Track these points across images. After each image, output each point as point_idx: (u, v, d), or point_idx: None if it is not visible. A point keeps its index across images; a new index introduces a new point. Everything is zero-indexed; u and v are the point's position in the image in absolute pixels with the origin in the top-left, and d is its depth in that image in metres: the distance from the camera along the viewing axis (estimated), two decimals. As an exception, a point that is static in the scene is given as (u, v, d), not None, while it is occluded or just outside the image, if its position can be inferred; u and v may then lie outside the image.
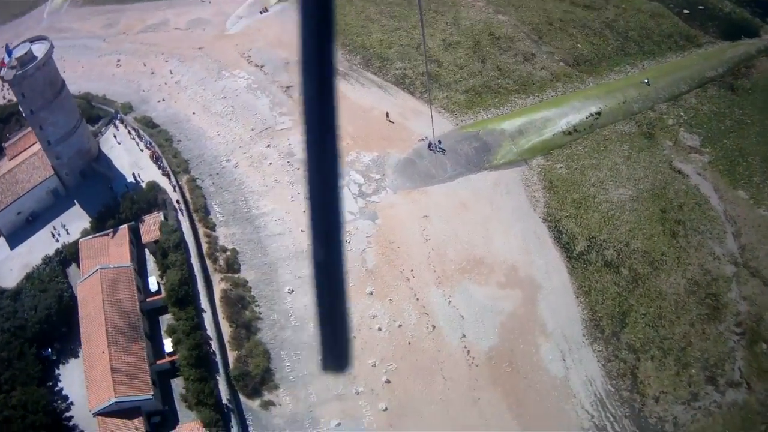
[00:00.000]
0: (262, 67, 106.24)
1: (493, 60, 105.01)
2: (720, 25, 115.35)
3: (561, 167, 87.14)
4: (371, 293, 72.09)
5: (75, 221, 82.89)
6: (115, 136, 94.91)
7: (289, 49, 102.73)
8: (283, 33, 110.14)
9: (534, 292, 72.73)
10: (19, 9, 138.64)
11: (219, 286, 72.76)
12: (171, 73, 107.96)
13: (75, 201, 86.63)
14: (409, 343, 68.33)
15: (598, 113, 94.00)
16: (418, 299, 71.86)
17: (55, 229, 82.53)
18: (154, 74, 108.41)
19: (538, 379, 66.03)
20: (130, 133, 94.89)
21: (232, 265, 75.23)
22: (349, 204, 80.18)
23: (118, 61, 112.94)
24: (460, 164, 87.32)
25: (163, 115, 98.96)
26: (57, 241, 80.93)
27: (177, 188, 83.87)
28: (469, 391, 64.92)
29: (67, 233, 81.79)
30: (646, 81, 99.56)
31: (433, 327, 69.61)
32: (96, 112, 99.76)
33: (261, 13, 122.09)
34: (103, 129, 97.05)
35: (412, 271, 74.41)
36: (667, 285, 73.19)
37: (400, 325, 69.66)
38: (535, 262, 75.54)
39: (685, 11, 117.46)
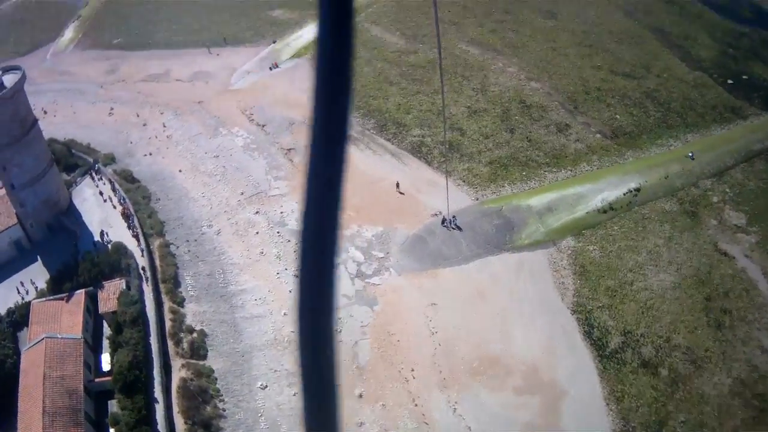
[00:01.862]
0: (263, 126, 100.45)
1: (523, 130, 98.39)
2: (765, 96, 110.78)
3: (594, 249, 78.25)
4: (360, 395, 61.59)
5: (40, 279, 75.20)
6: (99, 190, 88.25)
7: (296, 109, 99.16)
8: (291, 91, 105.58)
9: (557, 400, 62.38)
10: (25, 48, 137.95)
11: (178, 374, 63.26)
12: (164, 126, 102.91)
13: (38, 257, 79.20)
14: (404, 459, 57.54)
15: (638, 189, 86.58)
16: (417, 405, 61.39)
17: (22, 285, 74.91)
18: (146, 126, 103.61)
19: (561, 508, 55.66)
20: (103, 186, 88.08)
21: (198, 350, 65.83)
22: (345, 286, 71.11)
23: (111, 109, 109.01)
24: (478, 244, 77.92)
25: (147, 171, 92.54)
26: (23, 298, 73.09)
27: (146, 253, 75.58)
28: None
29: (36, 290, 73.90)
30: (690, 155, 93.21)
31: None
32: (74, 161, 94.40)
33: (270, 69, 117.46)
34: (77, 179, 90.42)
35: (412, 370, 64.10)
36: (710, 386, 63.54)
37: None
38: (561, 362, 65.74)
39: (729, 81, 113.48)
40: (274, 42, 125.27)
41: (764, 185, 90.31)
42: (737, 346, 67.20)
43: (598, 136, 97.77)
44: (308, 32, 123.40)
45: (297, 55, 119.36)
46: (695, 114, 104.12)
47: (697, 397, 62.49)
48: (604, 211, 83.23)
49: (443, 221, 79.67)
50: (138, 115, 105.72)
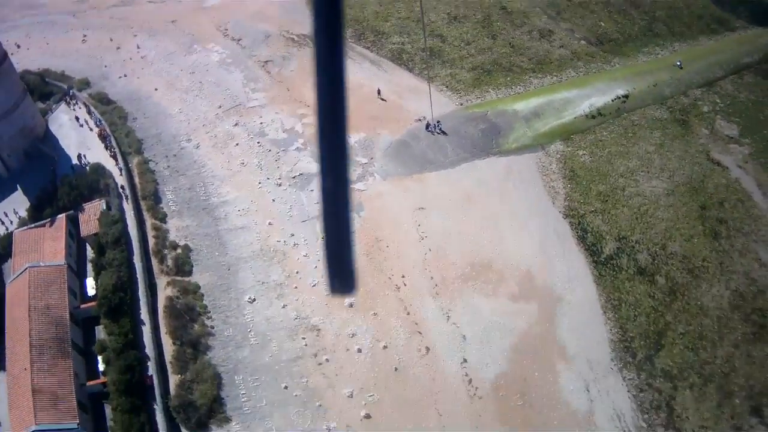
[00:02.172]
0: (239, 40, 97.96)
1: (505, 36, 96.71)
2: (752, 10, 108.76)
3: (584, 154, 77.03)
4: (351, 305, 59.95)
5: (22, 207, 73.24)
6: (74, 114, 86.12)
7: (272, 21, 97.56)
8: (266, 5, 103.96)
9: (553, 306, 61.07)
10: None
11: (164, 293, 61.10)
12: (138, 47, 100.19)
13: (17, 185, 76.90)
14: (396, 369, 56.52)
15: (626, 96, 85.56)
16: (409, 314, 59.93)
17: (6, 215, 72.98)
18: (120, 49, 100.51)
19: (556, 415, 54.76)
20: (79, 110, 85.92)
21: (183, 266, 63.71)
22: None
23: (84, 36, 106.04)
24: (464, 148, 76.20)
25: (122, 92, 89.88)
26: (7, 229, 71.10)
27: (124, 171, 73.34)
28: (471, 430, 53.29)
29: (18, 219, 71.98)
30: (678, 63, 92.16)
31: (427, 349, 57.79)
32: (49, 89, 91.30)
33: None
34: (53, 106, 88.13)
35: (403, 277, 62.55)
36: (708, 298, 62.48)
37: (385, 347, 57.75)
38: (555, 267, 64.28)
39: None
40: None
41: (755, 98, 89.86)
42: (735, 258, 66.56)
43: (583, 42, 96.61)
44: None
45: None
46: (681, 23, 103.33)
47: (696, 308, 61.82)
48: (593, 117, 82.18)
49: (427, 126, 78.10)
50: (111, 40, 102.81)
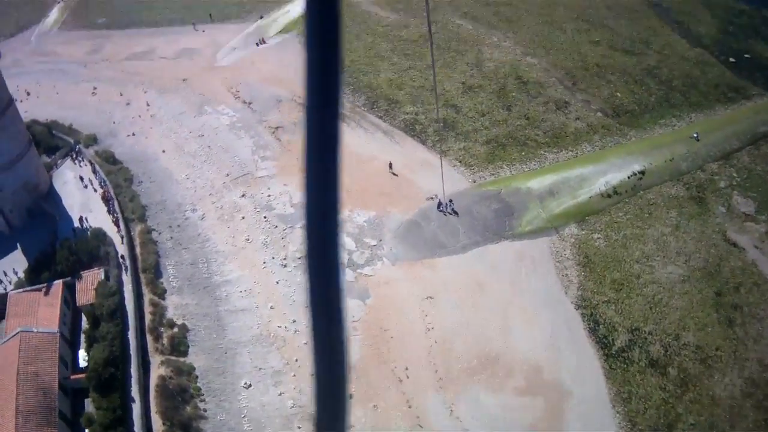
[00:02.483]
0: (250, 104, 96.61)
1: (521, 107, 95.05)
2: None
3: (599, 238, 74.78)
4: (351, 396, 56.13)
5: (21, 267, 71.39)
6: (79, 172, 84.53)
7: (284, 85, 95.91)
8: (279, 68, 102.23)
9: (561, 401, 58.75)
10: (10, 30, 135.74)
11: (157, 371, 59.21)
12: (148, 105, 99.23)
13: (18, 244, 75.18)
14: (396, 467, 53.94)
15: (642, 172, 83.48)
16: (411, 407, 57.54)
17: (5, 274, 71.04)
18: (129, 105, 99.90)
19: None
20: (84, 168, 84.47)
21: (178, 346, 61.73)
22: None
23: (95, 88, 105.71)
24: (477, 231, 74.10)
25: (129, 152, 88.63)
26: (5, 289, 69.22)
27: (125, 240, 71.51)
28: None
29: (17, 279, 70.20)
30: (695, 135, 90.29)
31: None
32: (55, 142, 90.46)
33: (257, 44, 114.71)
34: (58, 161, 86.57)
35: (406, 369, 60.15)
36: (721, 387, 60.49)
37: None
38: (565, 361, 62.05)
39: (732, 60, 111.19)
40: (261, 18, 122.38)
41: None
42: (749, 345, 64.60)
43: (599, 114, 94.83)
44: (296, 7, 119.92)
45: (285, 30, 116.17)
46: (698, 93, 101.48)
47: (708, 398, 59.82)
48: (608, 196, 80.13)
49: (439, 205, 75.97)
50: (121, 94, 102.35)
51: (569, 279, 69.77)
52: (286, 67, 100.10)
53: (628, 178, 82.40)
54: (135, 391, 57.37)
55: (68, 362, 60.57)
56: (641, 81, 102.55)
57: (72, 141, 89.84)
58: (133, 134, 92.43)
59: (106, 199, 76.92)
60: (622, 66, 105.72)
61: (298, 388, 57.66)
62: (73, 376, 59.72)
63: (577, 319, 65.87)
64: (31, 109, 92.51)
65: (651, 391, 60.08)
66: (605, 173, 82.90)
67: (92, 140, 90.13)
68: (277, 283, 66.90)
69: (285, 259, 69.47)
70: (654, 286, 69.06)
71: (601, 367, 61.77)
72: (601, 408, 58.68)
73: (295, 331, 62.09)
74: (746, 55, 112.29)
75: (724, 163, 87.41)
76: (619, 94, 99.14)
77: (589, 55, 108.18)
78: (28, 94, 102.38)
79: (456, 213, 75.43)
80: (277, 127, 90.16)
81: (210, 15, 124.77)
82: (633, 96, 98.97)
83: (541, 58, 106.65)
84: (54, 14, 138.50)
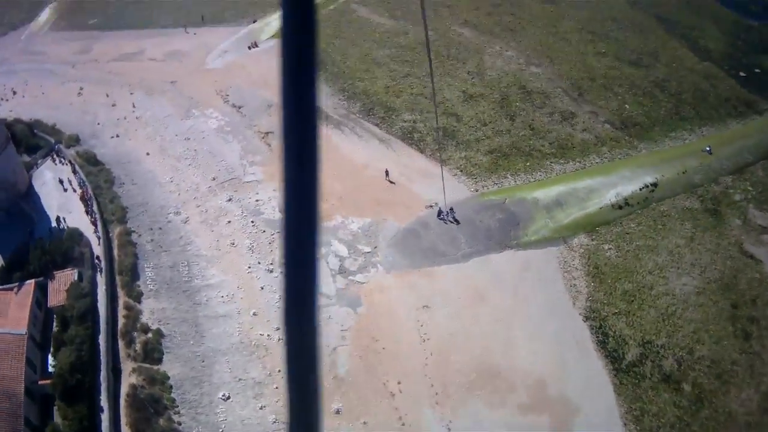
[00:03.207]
0: (239, 107, 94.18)
1: (525, 117, 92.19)
2: None
3: (610, 249, 71.76)
4: (338, 411, 54.02)
5: None
6: (59, 173, 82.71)
7: (275, 89, 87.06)
8: (270, 71, 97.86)
9: (568, 418, 55.15)
10: (1, 29, 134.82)
11: (128, 380, 55.56)
12: (134, 106, 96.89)
13: None
14: (388, 492, 50.17)
15: (654, 185, 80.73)
16: (404, 424, 53.82)
17: None
18: (115, 106, 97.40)
19: None
20: (64, 168, 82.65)
21: (152, 353, 58.00)
22: (325, 284, 63.60)
23: (81, 89, 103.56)
24: (479, 240, 70.79)
25: (112, 153, 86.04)
26: None
27: (102, 240, 68.49)
28: None
29: None
30: (707, 149, 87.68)
31: None
32: (36, 142, 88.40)
33: (249, 48, 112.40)
34: (38, 161, 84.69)
35: (399, 383, 56.38)
36: (737, 403, 57.24)
37: None
38: (572, 375, 58.53)
39: (742, 74, 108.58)
40: (254, 21, 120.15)
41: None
42: (765, 359, 61.27)
43: (607, 126, 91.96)
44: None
45: (277, 35, 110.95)
46: (708, 106, 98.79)
47: (724, 415, 56.41)
48: (619, 207, 77.44)
49: (439, 213, 72.69)
50: (107, 95, 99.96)
51: (578, 290, 66.68)
52: (277, 70, 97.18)
53: (640, 189, 79.92)
54: (104, 400, 53.85)
55: (37, 366, 57.23)
56: (650, 93, 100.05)
57: (53, 141, 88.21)
58: (117, 136, 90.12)
59: (85, 200, 74.46)
60: (630, 78, 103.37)
61: (281, 402, 53.39)
62: (41, 381, 56.29)
63: (585, 332, 62.71)
64: (15, 108, 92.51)
65: (664, 407, 57.07)
66: (615, 185, 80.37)
67: (74, 140, 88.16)
68: (262, 288, 63.53)
69: (271, 264, 66.16)
70: (667, 298, 66.17)
71: (610, 382, 58.61)
72: (612, 426, 55.41)
73: (279, 340, 58.38)
74: (756, 70, 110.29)
75: (738, 177, 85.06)
76: (627, 105, 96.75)
77: (596, 66, 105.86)
78: (14, 93, 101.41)
79: (457, 221, 72.41)
80: (267, 133, 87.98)
81: (202, 17, 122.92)
82: (642, 108, 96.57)
83: (545, 68, 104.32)
84: (46, 14, 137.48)
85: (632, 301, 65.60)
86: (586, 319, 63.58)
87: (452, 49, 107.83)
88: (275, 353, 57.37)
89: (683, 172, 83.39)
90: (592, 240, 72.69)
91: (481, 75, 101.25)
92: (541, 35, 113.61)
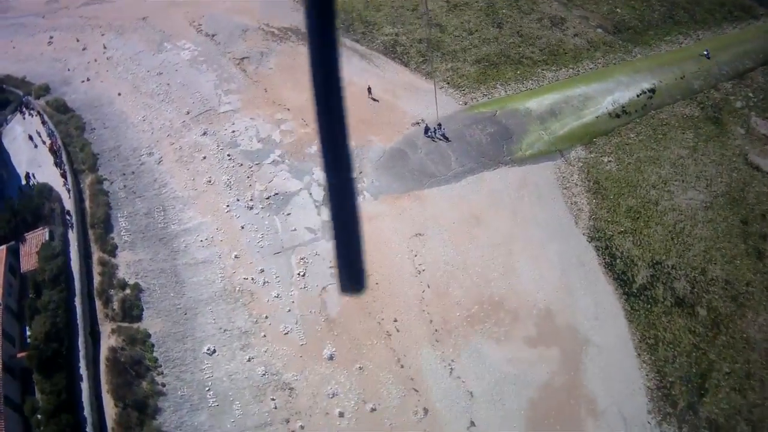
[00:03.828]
0: (213, 36, 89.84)
1: (512, 24, 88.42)
2: None
3: (609, 161, 68.72)
4: (331, 357, 51.41)
5: None
6: (28, 126, 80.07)
7: (251, 15, 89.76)
8: None
9: (578, 351, 52.66)
10: None
11: (107, 342, 52.15)
12: (104, 48, 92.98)
13: None
14: (388, 437, 48.00)
15: (652, 91, 77.55)
16: (402, 367, 51.40)
17: None
18: (86, 50, 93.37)
19: (586, 487, 45.87)
20: (32, 121, 79.70)
21: (131, 310, 54.60)
22: (309, 216, 60.96)
23: (51, 38, 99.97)
24: (470, 157, 67.51)
25: (83, 98, 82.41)
26: None
27: (73, 193, 64.82)
28: None
29: None
30: (705, 53, 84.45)
31: (425, 411, 49.18)
32: (6, 97, 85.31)
33: None
34: (8, 117, 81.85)
35: (395, 321, 53.70)
36: (755, 329, 55.21)
37: (373, 409, 49.14)
38: (580, 303, 55.67)
39: None
40: None
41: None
42: None
43: (599, 30, 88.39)
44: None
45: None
46: (703, 10, 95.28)
47: (742, 342, 54.53)
48: (617, 116, 74.31)
49: (426, 130, 69.35)
50: (78, 40, 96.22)
51: (579, 207, 63.63)
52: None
53: (638, 96, 76.94)
54: (83, 368, 50.81)
55: (15, 338, 54.07)
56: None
57: (21, 93, 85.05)
58: (88, 79, 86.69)
59: (54, 151, 71.38)
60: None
61: (270, 352, 51.35)
62: (20, 354, 53.10)
63: (590, 254, 59.72)
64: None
65: (679, 335, 54.67)
66: (611, 92, 77.18)
67: (44, 90, 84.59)
68: (242, 228, 60.38)
69: (251, 200, 62.86)
70: (674, 214, 63.46)
71: (621, 308, 55.95)
72: (626, 357, 53.02)
73: (264, 283, 55.55)
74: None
75: (739, 83, 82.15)
76: (618, 9, 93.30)
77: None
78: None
79: (446, 138, 69.11)
80: (242, 58, 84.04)
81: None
82: (634, 12, 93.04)
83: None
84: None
85: (638, 218, 63.12)
86: (591, 239, 60.94)
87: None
88: (260, 298, 54.68)
89: (681, 77, 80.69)
90: (591, 152, 69.88)
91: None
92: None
